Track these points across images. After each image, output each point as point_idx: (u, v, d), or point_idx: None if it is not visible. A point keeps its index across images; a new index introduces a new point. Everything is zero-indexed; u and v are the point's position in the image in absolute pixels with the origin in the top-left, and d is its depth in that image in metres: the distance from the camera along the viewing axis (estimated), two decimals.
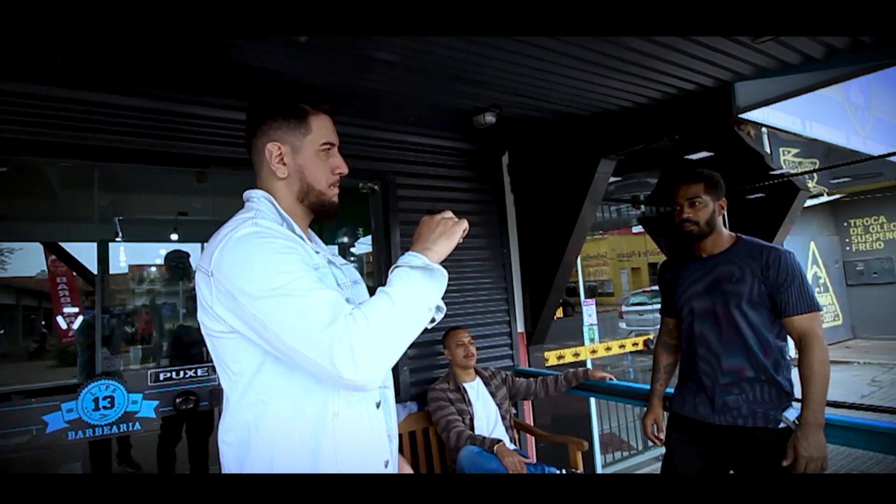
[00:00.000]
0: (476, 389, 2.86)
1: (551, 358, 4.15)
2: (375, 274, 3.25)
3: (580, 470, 2.79)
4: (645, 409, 2.26)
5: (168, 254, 4.17)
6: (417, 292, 1.00)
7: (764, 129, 3.74)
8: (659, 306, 2.35)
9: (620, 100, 2.75)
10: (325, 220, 1.21)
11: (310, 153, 1.14)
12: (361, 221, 3.89)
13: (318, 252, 1.14)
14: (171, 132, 2.43)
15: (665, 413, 2.24)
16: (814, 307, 1.83)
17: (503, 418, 2.85)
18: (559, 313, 4.25)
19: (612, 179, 4.42)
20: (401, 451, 2.80)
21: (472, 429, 2.72)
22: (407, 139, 3.21)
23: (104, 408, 2.16)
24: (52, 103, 2.20)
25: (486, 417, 2.80)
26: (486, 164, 3.61)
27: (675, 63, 2.27)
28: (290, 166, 1.14)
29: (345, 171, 1.20)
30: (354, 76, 2.29)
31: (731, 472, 1.94)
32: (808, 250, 11.65)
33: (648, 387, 2.31)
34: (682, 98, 2.65)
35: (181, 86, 2.37)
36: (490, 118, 2.78)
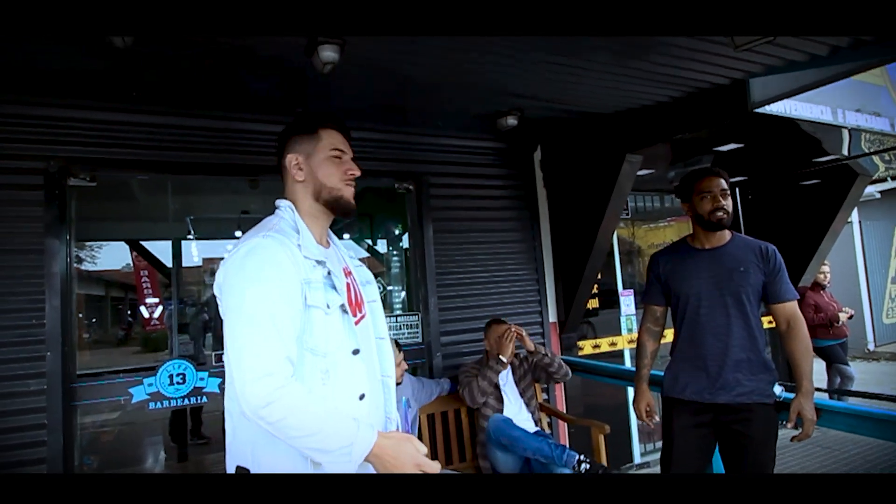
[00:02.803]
0: (505, 377, 3.03)
1: (587, 347, 4.29)
2: (413, 267, 3.52)
3: (602, 456, 2.93)
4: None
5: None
6: (338, 437, 1.10)
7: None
8: None
9: (641, 99, 2.86)
10: (343, 217, 1.37)
11: (321, 157, 1.33)
12: (403, 219, 4.16)
13: (320, 262, 1.26)
14: (228, 146, 2.80)
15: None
16: (796, 295, 2.12)
17: (527, 404, 3.04)
18: (594, 304, 4.39)
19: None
20: (431, 430, 3.07)
21: (500, 410, 2.90)
22: (438, 141, 3.44)
23: (178, 383, 2.56)
24: (129, 127, 2.62)
25: (513, 400, 2.99)
26: (516, 161, 3.78)
27: (689, 67, 2.37)
28: (305, 170, 1.33)
29: (356, 172, 1.35)
30: (391, 94, 2.56)
31: (728, 445, 2.11)
32: (892, 237, 10.88)
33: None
34: (699, 95, 2.72)
35: (235, 106, 2.73)
36: (512, 121, 2.97)
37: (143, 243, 5.95)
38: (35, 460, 2.30)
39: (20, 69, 2.18)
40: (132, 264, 7.04)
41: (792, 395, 2.05)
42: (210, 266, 7.05)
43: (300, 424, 1.08)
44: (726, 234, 2.18)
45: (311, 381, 1.18)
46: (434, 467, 1.15)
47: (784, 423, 2.08)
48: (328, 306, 1.23)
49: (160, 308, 6.69)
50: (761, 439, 2.04)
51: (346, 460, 1.10)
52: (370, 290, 1.45)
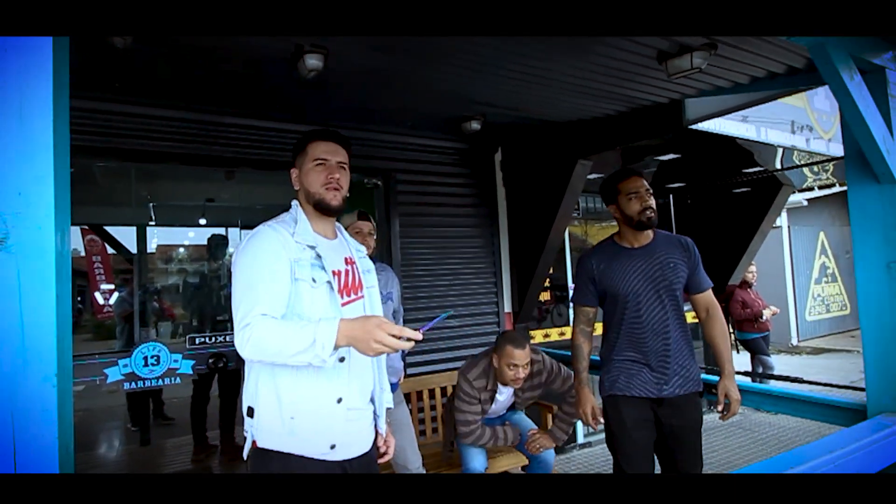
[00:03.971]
0: (507, 391, 2.86)
1: (537, 336, 4.61)
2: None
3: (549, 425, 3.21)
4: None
5: (210, 237, 4.79)
6: (298, 340, 1.34)
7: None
8: None
9: (591, 111, 3.16)
10: (328, 215, 1.59)
11: (307, 168, 1.58)
12: (372, 213, 4.35)
13: (311, 247, 1.51)
14: (202, 137, 2.90)
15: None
16: (710, 283, 2.25)
17: (514, 405, 3.01)
18: (545, 296, 4.72)
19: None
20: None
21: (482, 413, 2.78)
22: (405, 140, 3.65)
23: (152, 364, 2.67)
24: (107, 116, 2.69)
25: (502, 408, 2.95)
26: (478, 161, 4.03)
27: (633, 87, 2.69)
28: (298, 181, 1.61)
29: (335, 176, 1.55)
30: (364, 97, 2.74)
31: (662, 439, 2.18)
32: (816, 241, 11.78)
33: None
34: (641, 111, 3.05)
35: (211, 100, 2.84)
36: (476, 125, 3.21)
37: (107, 228, 5.85)
38: None
39: None
40: (84, 248, 6.83)
41: (714, 379, 2.20)
42: (167, 253, 6.94)
43: (269, 346, 1.35)
44: (650, 232, 2.22)
45: None
46: (408, 333, 1.32)
47: (713, 406, 2.22)
48: (314, 280, 1.48)
49: (115, 295, 6.55)
50: (693, 426, 2.16)
51: (319, 354, 1.31)
52: (369, 278, 1.71)
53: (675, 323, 2.15)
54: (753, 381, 5.94)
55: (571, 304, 2.42)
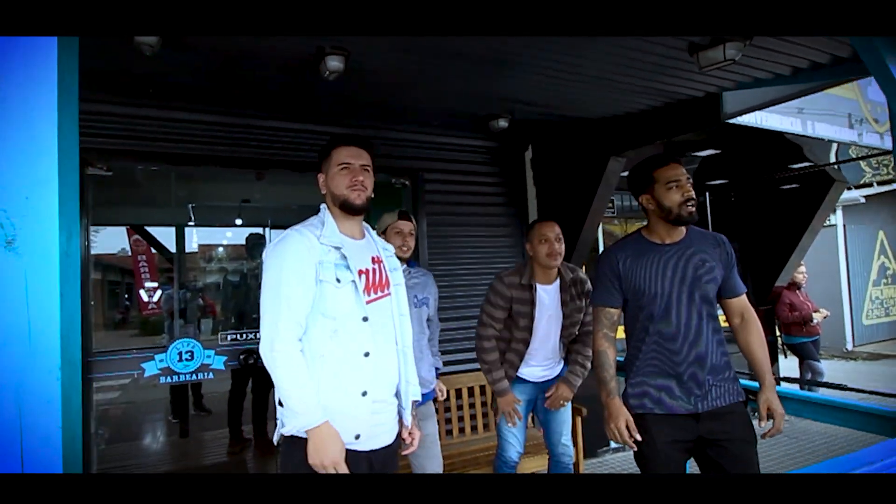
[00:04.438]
0: (550, 294, 2.53)
1: None
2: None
3: (579, 438, 3.15)
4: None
5: (248, 236, 4.95)
6: (293, 402, 1.50)
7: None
8: None
9: (624, 107, 3.07)
10: (354, 215, 1.68)
11: (333, 173, 1.67)
12: None
13: (336, 248, 1.60)
14: (235, 140, 2.98)
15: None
16: (744, 287, 2.01)
17: (562, 337, 2.63)
18: None
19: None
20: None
21: (530, 331, 2.51)
22: (433, 139, 3.64)
23: (186, 359, 2.76)
24: (143, 120, 2.80)
25: (547, 328, 2.55)
26: (508, 159, 3.99)
27: (667, 81, 2.59)
28: (325, 185, 1.70)
29: (359, 178, 1.64)
30: (389, 97, 2.75)
31: (710, 457, 1.90)
32: (875, 240, 11.13)
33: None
34: (676, 105, 2.94)
35: (245, 104, 2.91)
36: (503, 123, 3.17)
37: (148, 228, 6.13)
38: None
39: None
40: (130, 249, 7.17)
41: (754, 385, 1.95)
42: (207, 252, 7.20)
43: (279, 378, 1.50)
44: (683, 227, 1.95)
45: (321, 337, 1.55)
46: (340, 470, 1.47)
47: (758, 419, 1.93)
48: (339, 281, 1.57)
49: (158, 292, 6.85)
50: (745, 438, 1.87)
51: (291, 419, 1.49)
52: (396, 276, 1.78)
53: (710, 330, 1.89)
54: (801, 388, 5.64)
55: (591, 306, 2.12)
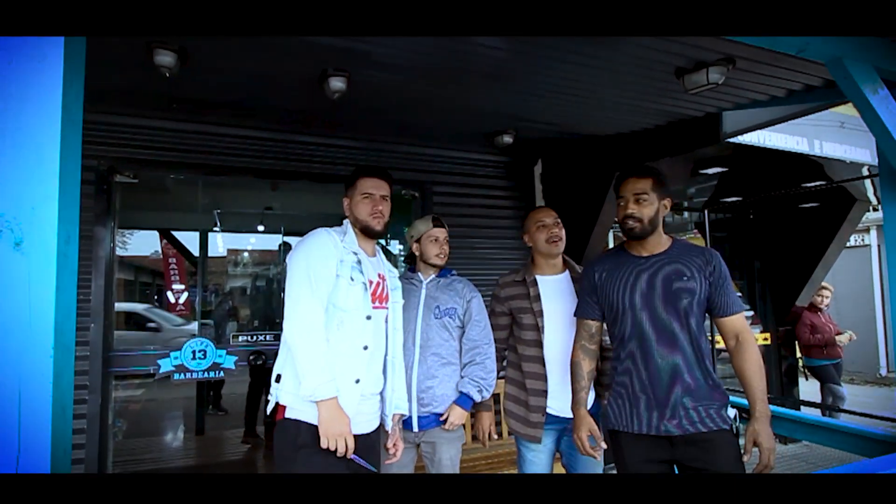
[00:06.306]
0: (557, 285, 2.25)
1: None
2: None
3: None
4: None
5: (281, 243, 5.21)
6: (311, 368, 1.65)
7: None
8: None
9: (628, 125, 3.14)
10: (371, 238, 1.92)
11: (356, 200, 1.90)
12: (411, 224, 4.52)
13: (354, 252, 1.83)
14: (252, 152, 3.16)
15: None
16: (742, 307, 1.90)
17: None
18: None
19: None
20: None
21: (539, 337, 2.19)
22: (442, 153, 3.76)
23: (199, 358, 2.92)
24: (168, 132, 3.00)
25: (559, 321, 2.20)
26: (517, 174, 4.07)
27: (667, 102, 2.66)
28: (349, 208, 1.93)
29: (378, 208, 1.88)
30: (394, 113, 2.91)
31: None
32: None
33: None
34: (678, 124, 3.00)
35: (262, 117, 3.09)
36: (508, 139, 3.26)
37: (174, 233, 6.44)
38: (76, 415, 2.68)
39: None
40: (161, 252, 7.50)
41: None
42: (234, 257, 7.48)
43: (303, 347, 1.65)
44: (665, 240, 1.91)
45: (329, 325, 1.74)
46: (349, 447, 1.63)
47: (744, 452, 1.79)
48: (352, 279, 1.80)
49: (185, 294, 7.13)
50: (727, 468, 1.74)
51: (306, 388, 1.62)
52: (395, 295, 2.01)
53: (685, 346, 1.81)
54: (823, 414, 5.48)
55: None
